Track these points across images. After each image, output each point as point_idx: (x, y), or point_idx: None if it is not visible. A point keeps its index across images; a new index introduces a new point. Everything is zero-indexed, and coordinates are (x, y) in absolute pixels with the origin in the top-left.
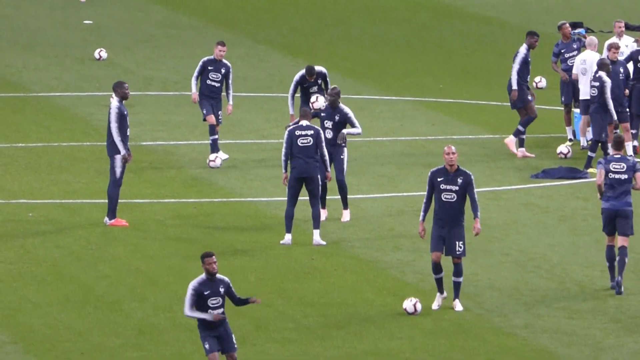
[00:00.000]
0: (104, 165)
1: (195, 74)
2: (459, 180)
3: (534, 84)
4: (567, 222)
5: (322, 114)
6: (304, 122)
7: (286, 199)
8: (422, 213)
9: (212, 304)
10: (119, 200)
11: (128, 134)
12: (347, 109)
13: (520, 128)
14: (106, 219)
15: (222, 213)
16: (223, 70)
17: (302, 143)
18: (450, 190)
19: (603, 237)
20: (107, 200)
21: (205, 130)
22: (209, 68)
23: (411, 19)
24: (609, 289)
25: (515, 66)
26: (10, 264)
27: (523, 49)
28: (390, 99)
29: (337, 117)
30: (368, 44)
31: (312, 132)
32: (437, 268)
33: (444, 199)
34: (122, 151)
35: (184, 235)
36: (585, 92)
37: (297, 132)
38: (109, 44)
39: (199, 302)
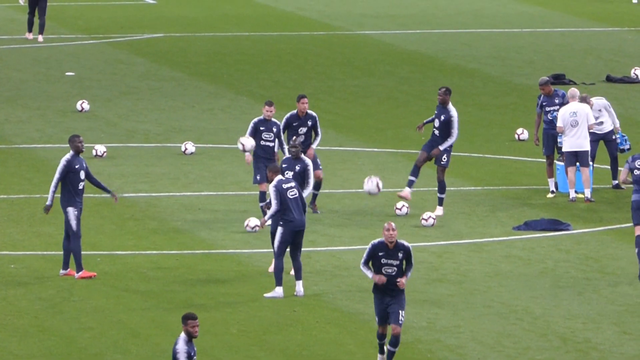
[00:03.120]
0: (85, 218)
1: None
2: (400, 255)
3: (516, 136)
4: (549, 274)
5: (283, 165)
6: (281, 177)
7: (273, 251)
8: (368, 273)
9: None
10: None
11: (81, 187)
12: (308, 160)
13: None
14: (63, 271)
15: (204, 265)
16: (275, 129)
17: (291, 195)
18: (391, 265)
19: (585, 289)
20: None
21: (187, 183)
22: (261, 129)
23: (393, 72)
24: (591, 341)
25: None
26: None
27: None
28: (372, 151)
29: (297, 167)
30: (350, 96)
31: (293, 183)
32: (382, 337)
33: (385, 272)
34: (48, 201)
35: (165, 288)
36: (574, 144)
37: (285, 186)
38: (91, 96)
39: None
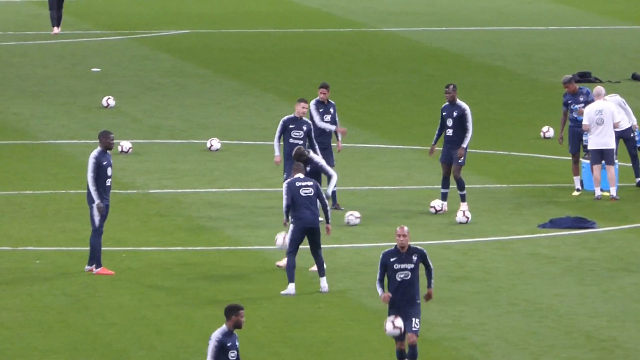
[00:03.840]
0: (111, 214)
1: (277, 134)
2: (414, 258)
3: (542, 134)
4: (574, 272)
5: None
6: (301, 175)
7: (287, 249)
8: (379, 289)
9: (232, 357)
10: (105, 248)
11: (108, 184)
12: (317, 158)
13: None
14: (88, 267)
15: (228, 261)
16: (305, 128)
17: (304, 193)
18: (405, 269)
19: (609, 287)
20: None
21: (212, 179)
22: (290, 127)
23: (418, 70)
24: (616, 339)
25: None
26: (17, 311)
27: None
28: (397, 148)
29: (308, 168)
30: (375, 93)
31: (311, 183)
32: (401, 356)
33: (399, 279)
34: (96, 200)
35: (190, 284)
36: (600, 142)
37: (298, 184)
38: (116, 92)
39: (220, 355)
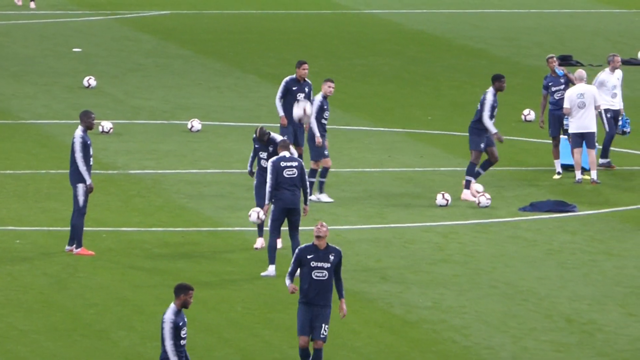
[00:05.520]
0: (91, 194)
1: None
2: (331, 257)
3: (523, 117)
4: (554, 256)
5: (256, 146)
6: (286, 154)
7: (269, 229)
8: (288, 280)
9: (183, 335)
10: (86, 228)
11: (91, 163)
12: (278, 137)
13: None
14: (69, 247)
15: (209, 243)
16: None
17: (288, 174)
18: (322, 268)
19: (590, 271)
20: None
21: (193, 160)
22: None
23: (400, 52)
24: (596, 323)
25: (486, 112)
26: None
27: (489, 95)
28: (379, 131)
29: (270, 148)
30: (357, 76)
31: (296, 163)
32: (304, 354)
33: (315, 277)
34: (88, 181)
35: (171, 265)
36: (581, 125)
37: (283, 164)
38: (98, 72)
39: (174, 335)
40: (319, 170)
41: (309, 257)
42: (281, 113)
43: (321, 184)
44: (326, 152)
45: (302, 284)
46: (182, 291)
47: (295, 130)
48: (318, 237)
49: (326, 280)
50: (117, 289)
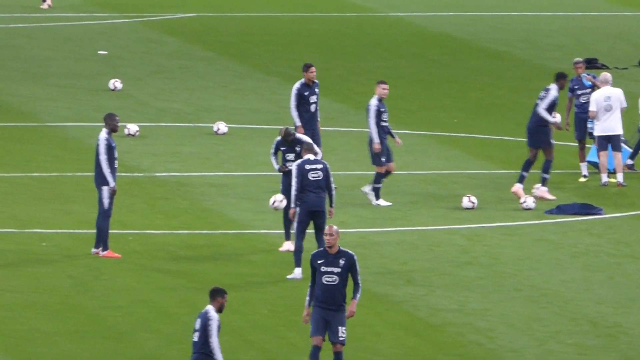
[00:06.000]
0: (116, 196)
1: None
2: (341, 262)
3: None
4: (580, 259)
5: (282, 148)
6: (311, 156)
7: (295, 232)
8: (307, 297)
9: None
10: (111, 231)
11: (116, 166)
12: (305, 138)
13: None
14: (95, 250)
15: (233, 245)
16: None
17: (313, 177)
18: (332, 273)
19: (615, 274)
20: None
21: (218, 162)
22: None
23: (423, 55)
24: (621, 326)
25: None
26: (21, 293)
27: (554, 91)
28: (402, 133)
29: (297, 148)
30: (380, 78)
31: (321, 166)
32: (316, 354)
33: (325, 282)
34: (112, 183)
35: (195, 267)
36: (607, 128)
37: (307, 167)
38: (122, 74)
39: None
40: (381, 173)
41: (319, 262)
42: (298, 122)
43: (376, 189)
44: (383, 159)
45: (316, 289)
46: (219, 294)
47: (313, 135)
48: (330, 247)
49: (337, 285)
50: (141, 292)
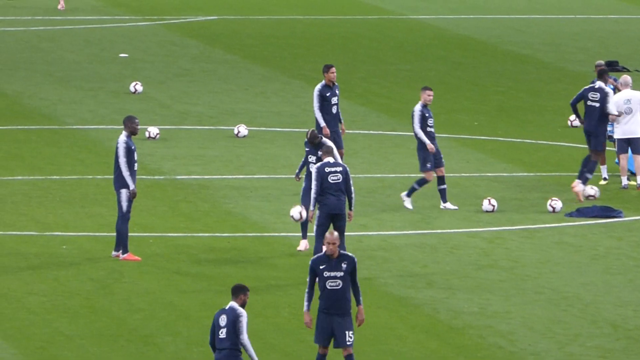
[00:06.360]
0: (137, 199)
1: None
2: (343, 266)
3: (569, 123)
4: (600, 261)
5: (307, 149)
6: (330, 159)
7: (315, 235)
8: (305, 303)
9: None
10: (132, 234)
11: (135, 169)
12: (329, 142)
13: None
14: (115, 253)
15: (255, 248)
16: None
17: (332, 180)
18: (335, 277)
19: (636, 277)
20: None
21: (240, 165)
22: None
23: (446, 57)
24: None
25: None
26: (44, 296)
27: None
28: None
29: (320, 152)
30: (402, 81)
31: (340, 168)
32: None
33: (329, 287)
34: (132, 186)
35: (217, 270)
36: (627, 130)
37: (327, 169)
38: (144, 77)
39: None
40: (425, 179)
41: (321, 267)
42: (323, 123)
43: (412, 189)
44: (429, 165)
45: (320, 294)
46: (242, 291)
47: (335, 136)
48: (331, 254)
49: (340, 289)
50: (163, 294)
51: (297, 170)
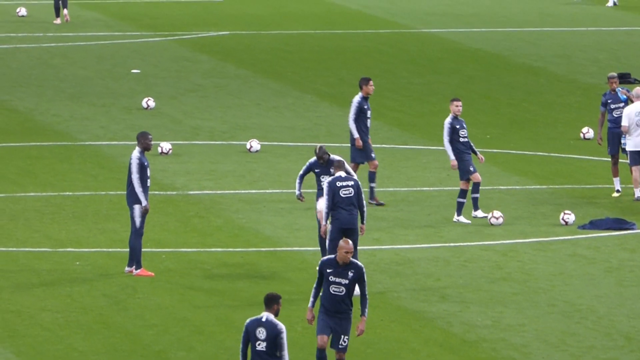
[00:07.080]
0: (150, 215)
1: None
2: (350, 274)
3: (582, 135)
4: (613, 274)
5: (317, 170)
6: (342, 174)
7: (327, 249)
8: (311, 299)
9: None
10: (145, 249)
11: (148, 184)
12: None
13: None
14: (128, 269)
15: (268, 263)
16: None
17: (344, 194)
18: (339, 284)
19: None
20: (128, 250)
21: (252, 180)
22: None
23: (458, 70)
24: None
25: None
26: (57, 312)
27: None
28: (437, 149)
29: (332, 170)
30: (415, 94)
31: (352, 182)
32: (322, 356)
33: (332, 292)
34: (144, 202)
35: (230, 285)
36: (639, 142)
37: (339, 184)
38: (156, 93)
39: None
40: (470, 188)
41: (328, 270)
42: (356, 135)
43: (474, 200)
44: (472, 169)
45: (322, 294)
46: (275, 300)
47: (367, 147)
48: (343, 261)
49: (343, 295)
50: (176, 310)
51: (297, 191)
